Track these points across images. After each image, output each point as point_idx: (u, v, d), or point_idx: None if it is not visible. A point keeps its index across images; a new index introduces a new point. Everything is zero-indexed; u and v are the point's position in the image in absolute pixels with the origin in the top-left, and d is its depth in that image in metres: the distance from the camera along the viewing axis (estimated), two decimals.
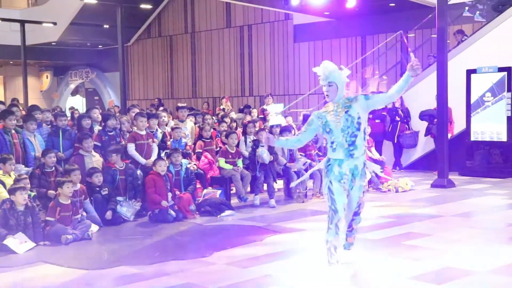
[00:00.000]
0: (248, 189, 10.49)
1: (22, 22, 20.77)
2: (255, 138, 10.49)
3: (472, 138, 12.99)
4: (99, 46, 25.84)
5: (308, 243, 7.29)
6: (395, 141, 13.93)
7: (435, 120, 12.28)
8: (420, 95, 13.67)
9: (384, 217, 8.69)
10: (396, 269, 6.05)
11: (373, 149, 11.94)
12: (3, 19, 20.78)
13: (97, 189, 8.68)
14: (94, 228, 8.07)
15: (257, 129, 11.06)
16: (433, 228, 7.99)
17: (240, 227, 8.37)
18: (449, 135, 12.26)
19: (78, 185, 8.25)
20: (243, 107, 15.39)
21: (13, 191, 7.41)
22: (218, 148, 10.87)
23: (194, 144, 10.83)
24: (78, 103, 27.68)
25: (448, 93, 11.57)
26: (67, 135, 9.54)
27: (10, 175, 8.02)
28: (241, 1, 17.09)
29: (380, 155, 12.31)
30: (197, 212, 9.18)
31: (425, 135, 13.36)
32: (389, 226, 8.07)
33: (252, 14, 20.31)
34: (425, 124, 13.28)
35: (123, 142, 9.74)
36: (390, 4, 15.78)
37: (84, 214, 8.19)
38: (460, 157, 13.02)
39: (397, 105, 13.82)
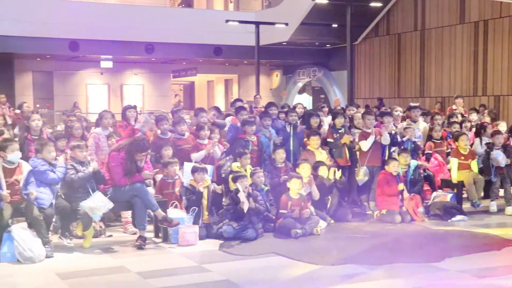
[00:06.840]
0: (481, 194, 9.85)
1: (257, 24, 21.88)
2: (489, 141, 9.79)
3: None
4: (327, 45, 26.29)
5: None
6: None
7: None
8: None
9: None
10: None
11: None
12: (240, 21, 22.15)
13: None
14: (323, 224, 8.19)
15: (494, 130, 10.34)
16: None
17: (473, 234, 7.91)
18: None
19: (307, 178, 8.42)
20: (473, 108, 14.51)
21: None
22: (449, 150, 10.35)
23: (424, 145, 10.46)
24: (305, 101, 28.48)
25: None
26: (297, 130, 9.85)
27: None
28: None
29: None
30: (426, 215, 8.87)
31: None
32: None
33: (489, 8, 19.01)
34: None
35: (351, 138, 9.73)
36: None
37: (312, 208, 8.31)
38: None
39: None
